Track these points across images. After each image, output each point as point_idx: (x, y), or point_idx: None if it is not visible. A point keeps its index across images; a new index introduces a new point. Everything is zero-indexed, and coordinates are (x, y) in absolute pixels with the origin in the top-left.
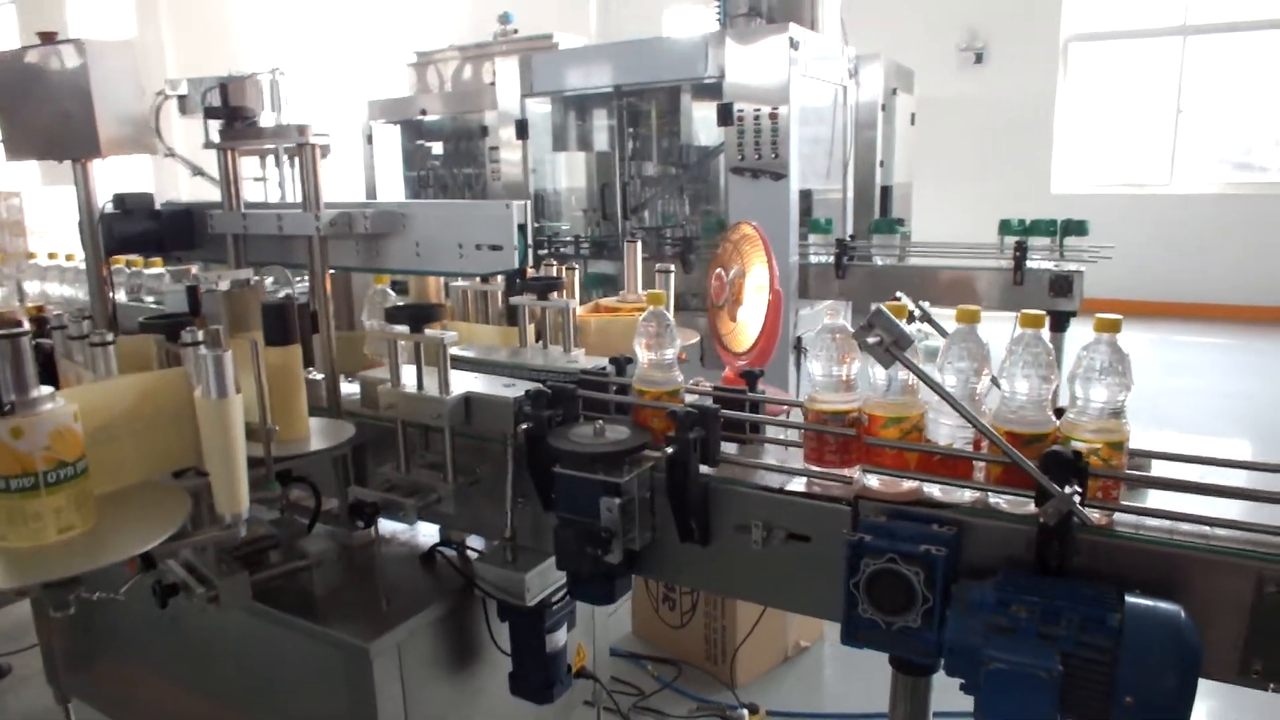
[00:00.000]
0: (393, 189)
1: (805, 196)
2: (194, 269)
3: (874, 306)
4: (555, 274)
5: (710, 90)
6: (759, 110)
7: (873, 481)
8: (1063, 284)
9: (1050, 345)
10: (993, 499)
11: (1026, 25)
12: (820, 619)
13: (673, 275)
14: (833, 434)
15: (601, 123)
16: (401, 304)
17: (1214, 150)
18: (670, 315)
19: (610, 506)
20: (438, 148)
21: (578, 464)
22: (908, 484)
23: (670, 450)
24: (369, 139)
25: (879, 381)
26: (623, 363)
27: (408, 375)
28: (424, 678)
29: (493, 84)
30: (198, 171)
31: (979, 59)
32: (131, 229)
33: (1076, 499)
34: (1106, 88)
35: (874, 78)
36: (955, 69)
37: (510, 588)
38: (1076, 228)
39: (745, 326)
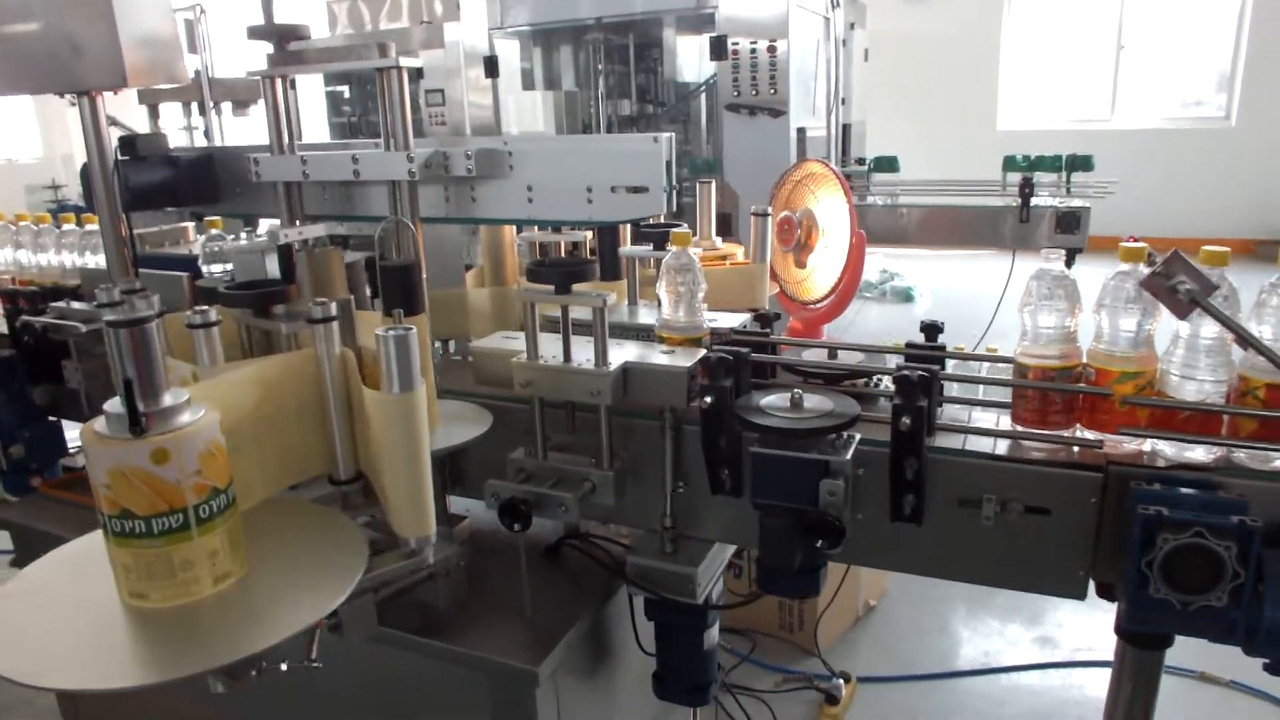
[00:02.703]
0: (318, 138)
1: (799, 135)
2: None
3: (1169, 251)
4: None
5: (693, 23)
6: (756, 44)
7: (1165, 448)
8: (1070, 220)
9: None
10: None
11: None
12: (1052, 596)
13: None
14: (1093, 393)
15: (570, 59)
16: (544, 259)
17: (1155, 86)
18: None
19: (833, 490)
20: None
21: (784, 441)
22: (1199, 450)
23: (906, 421)
24: (292, 84)
25: (1104, 332)
26: (770, 317)
27: (548, 345)
28: (577, 692)
29: (426, 22)
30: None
31: None
32: (148, 179)
33: None
34: (1050, 24)
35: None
36: (901, 5)
37: (677, 585)
38: (1082, 163)
39: (815, 273)
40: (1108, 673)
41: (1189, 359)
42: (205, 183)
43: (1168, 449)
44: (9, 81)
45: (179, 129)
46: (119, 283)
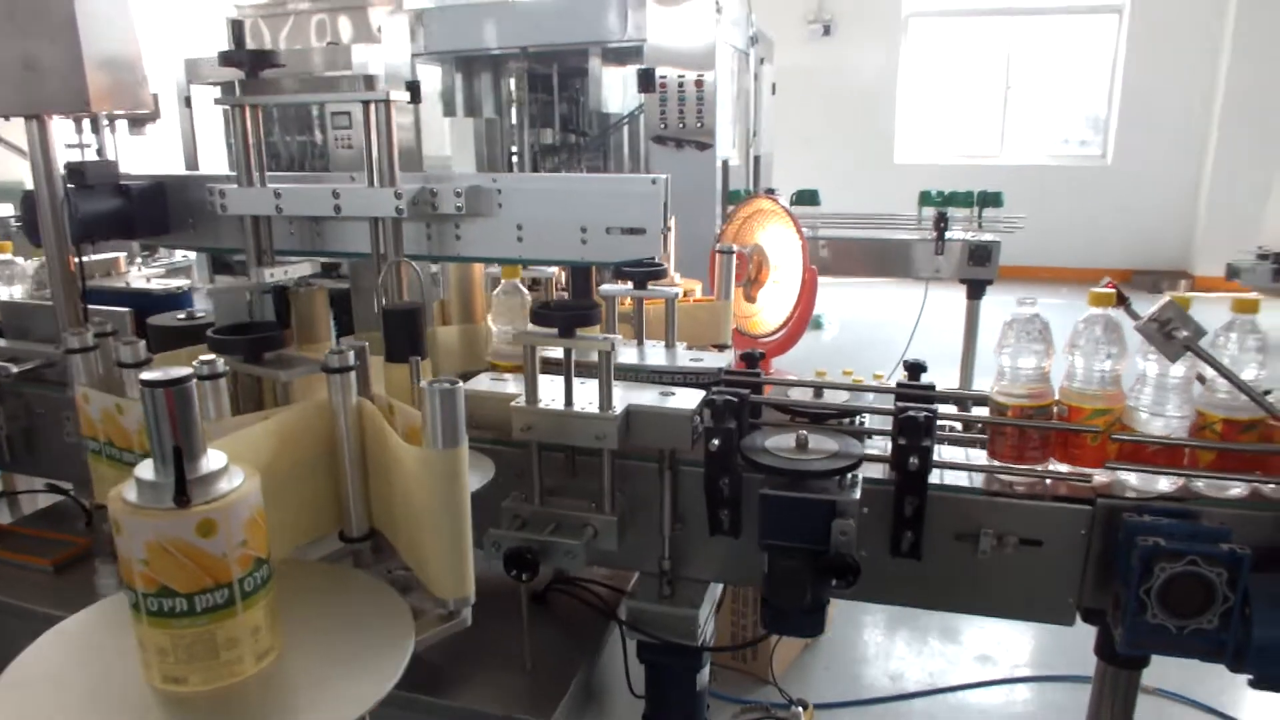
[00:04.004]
0: (216, 161)
1: (724, 167)
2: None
3: (1165, 298)
4: None
5: (618, 54)
6: (683, 76)
7: (1130, 478)
8: (981, 253)
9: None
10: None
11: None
12: (1043, 623)
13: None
14: (1086, 431)
15: (491, 87)
16: (550, 302)
17: (1039, 125)
18: None
19: (844, 529)
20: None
21: (794, 483)
22: (1163, 481)
23: (914, 461)
24: (187, 102)
25: (1077, 372)
26: (755, 357)
27: (547, 389)
28: None
29: (333, 43)
30: None
31: (827, 31)
32: (98, 208)
33: None
34: (943, 64)
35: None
36: (805, 41)
37: (678, 627)
38: (993, 199)
39: (765, 308)
40: (1045, 686)
41: (1158, 397)
42: (156, 213)
43: (1134, 479)
44: None
45: (67, 146)
46: (79, 326)
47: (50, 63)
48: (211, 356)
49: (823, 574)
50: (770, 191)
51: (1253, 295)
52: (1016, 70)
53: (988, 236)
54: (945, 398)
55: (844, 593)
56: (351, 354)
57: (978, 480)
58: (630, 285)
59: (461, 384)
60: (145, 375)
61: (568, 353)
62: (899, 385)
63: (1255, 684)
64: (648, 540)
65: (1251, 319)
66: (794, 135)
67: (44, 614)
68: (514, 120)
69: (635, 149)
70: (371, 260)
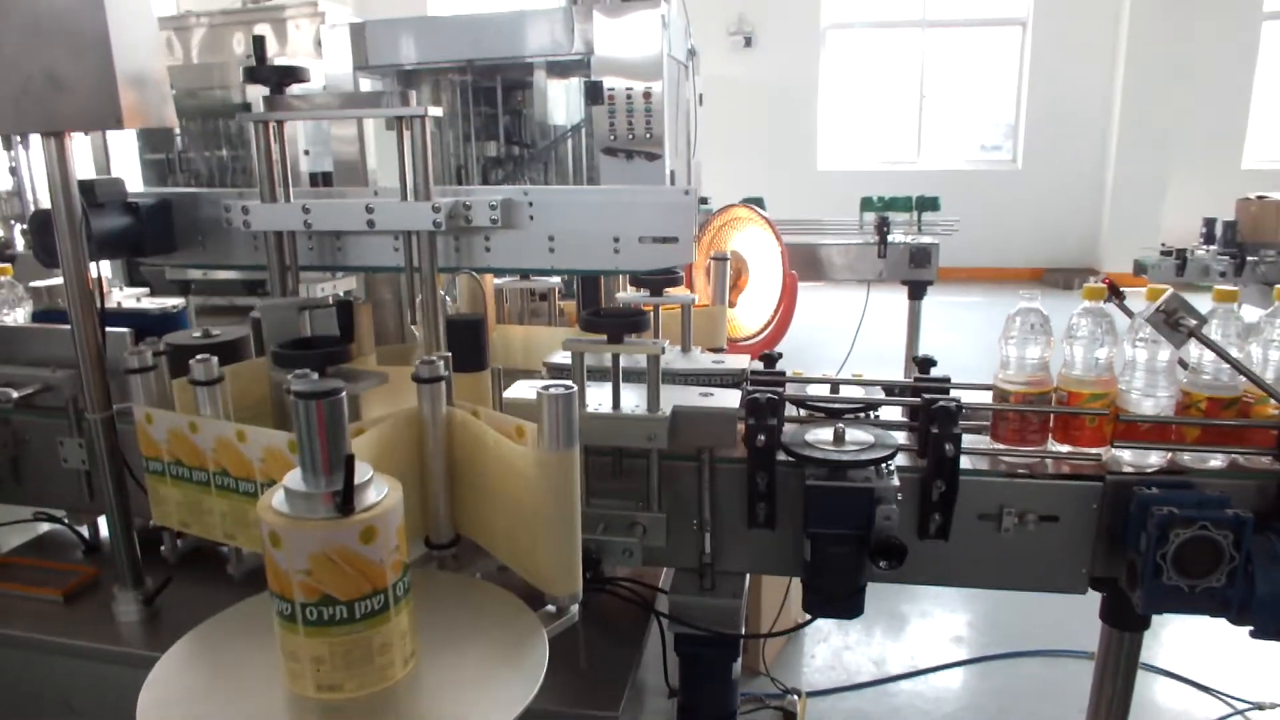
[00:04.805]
0: (128, 175)
1: (672, 177)
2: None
3: (1169, 292)
4: None
5: (563, 68)
6: (631, 88)
7: (1125, 455)
8: (922, 255)
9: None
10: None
11: (789, 11)
12: (1058, 593)
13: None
14: (1089, 414)
15: (431, 100)
16: (600, 310)
17: (954, 132)
18: None
19: (888, 514)
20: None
21: (839, 473)
22: (1154, 456)
23: (949, 447)
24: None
25: (1076, 360)
26: (774, 358)
27: (592, 394)
28: None
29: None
30: None
31: (748, 43)
32: (110, 226)
33: None
34: (862, 73)
35: None
36: (727, 52)
37: (720, 618)
38: (930, 204)
39: (745, 312)
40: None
41: (1149, 380)
42: (164, 232)
43: (1128, 456)
44: None
45: None
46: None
47: (78, 79)
48: (305, 371)
49: (874, 556)
50: (703, 200)
51: (1232, 288)
52: (931, 79)
53: (926, 239)
54: (962, 387)
55: (885, 574)
56: (441, 364)
57: (982, 463)
58: (646, 292)
59: (575, 389)
60: (297, 387)
61: (615, 358)
62: (917, 379)
63: (1256, 634)
64: (684, 536)
65: (1231, 307)
66: (719, 144)
67: (58, 644)
68: (456, 134)
69: (579, 161)
70: (399, 274)
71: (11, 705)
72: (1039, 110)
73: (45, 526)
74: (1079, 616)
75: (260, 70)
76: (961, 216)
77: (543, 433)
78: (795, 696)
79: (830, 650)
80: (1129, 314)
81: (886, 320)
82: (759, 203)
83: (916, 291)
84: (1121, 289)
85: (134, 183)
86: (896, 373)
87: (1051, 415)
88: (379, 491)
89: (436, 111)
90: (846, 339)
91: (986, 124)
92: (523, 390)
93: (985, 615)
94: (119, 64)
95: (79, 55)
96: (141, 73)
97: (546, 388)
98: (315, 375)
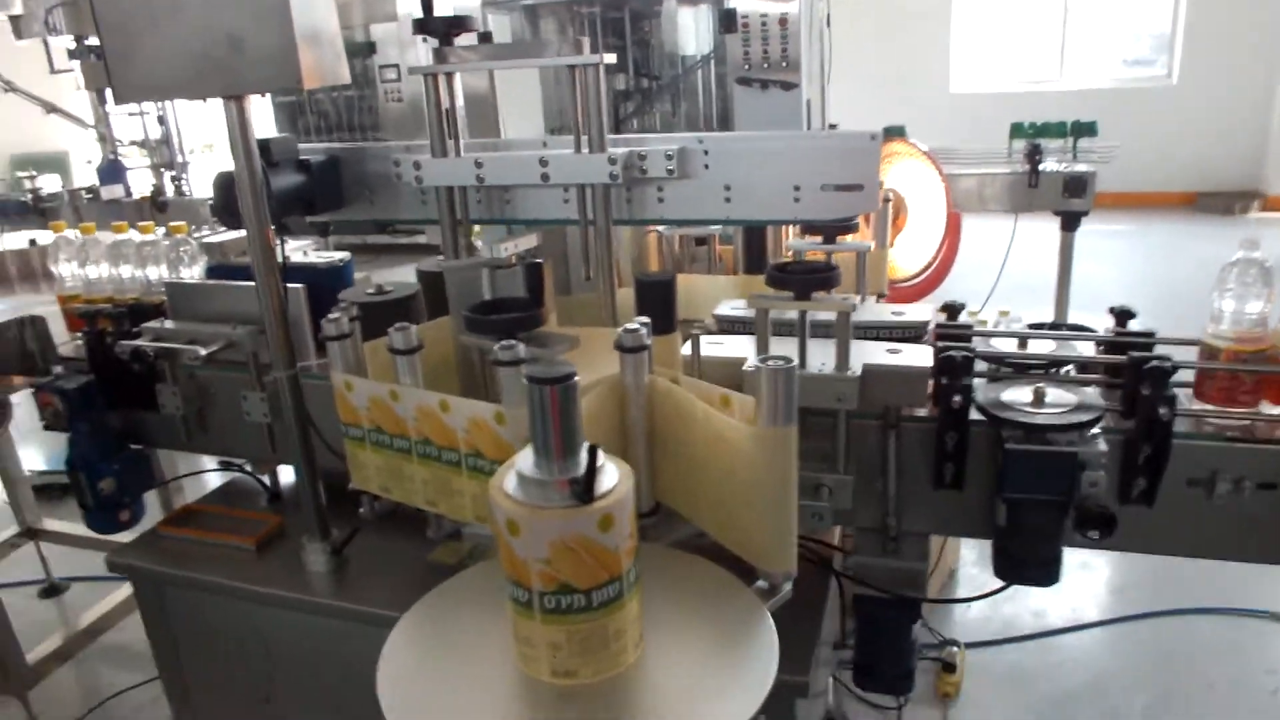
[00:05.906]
0: (260, 121)
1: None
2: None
3: None
4: None
5: None
6: (766, 15)
7: None
8: (1077, 184)
9: None
10: None
11: None
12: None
13: None
14: None
15: (556, 33)
16: (786, 264)
17: (1100, 47)
18: None
19: (1094, 480)
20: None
21: (1036, 436)
22: None
23: (1164, 411)
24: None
25: None
26: (957, 309)
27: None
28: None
29: None
30: (52, 109)
31: None
32: (286, 185)
33: None
34: None
35: None
36: None
37: (904, 580)
38: (1087, 129)
39: (903, 253)
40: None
41: None
42: (334, 189)
43: None
44: (147, 86)
45: (129, 115)
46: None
47: (258, 42)
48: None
49: (1080, 526)
50: (833, 127)
51: None
52: None
53: (1082, 167)
54: (1166, 342)
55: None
56: (644, 332)
57: (1185, 424)
58: (820, 239)
59: (795, 363)
60: (530, 372)
61: (803, 315)
62: (1116, 332)
63: None
64: (866, 497)
65: None
66: (846, 68)
67: (253, 592)
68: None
69: (708, 92)
70: (573, 226)
71: (217, 650)
72: (1198, 21)
73: (228, 475)
74: (1268, 575)
75: (429, 21)
76: (1113, 140)
77: (761, 407)
78: (955, 648)
79: (987, 601)
80: None
81: (1029, 251)
82: (900, 132)
83: (1070, 223)
84: None
85: (266, 125)
86: (1047, 308)
87: (1263, 375)
88: (612, 477)
89: (610, 58)
90: (986, 271)
91: (1132, 36)
92: (703, 348)
93: (1153, 569)
94: (298, 24)
95: (260, 18)
96: (318, 31)
97: (765, 360)
98: (520, 347)
